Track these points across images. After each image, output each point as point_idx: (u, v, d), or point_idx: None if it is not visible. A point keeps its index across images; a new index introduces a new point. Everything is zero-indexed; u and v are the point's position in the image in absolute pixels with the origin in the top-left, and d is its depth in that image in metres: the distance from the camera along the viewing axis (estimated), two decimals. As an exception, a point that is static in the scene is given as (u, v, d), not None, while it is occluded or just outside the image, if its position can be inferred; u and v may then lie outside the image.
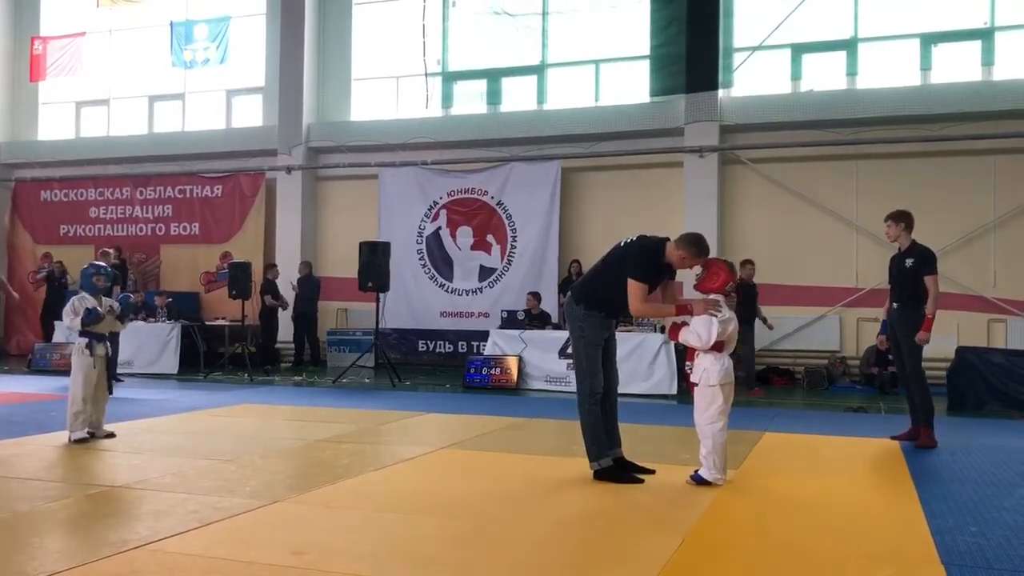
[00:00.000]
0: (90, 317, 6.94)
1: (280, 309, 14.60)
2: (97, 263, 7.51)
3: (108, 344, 7.12)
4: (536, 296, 13.21)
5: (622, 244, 5.67)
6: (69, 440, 6.72)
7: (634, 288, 5.41)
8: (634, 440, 6.08)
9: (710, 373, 5.39)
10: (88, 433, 6.78)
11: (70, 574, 3.49)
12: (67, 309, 7.00)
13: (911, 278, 7.25)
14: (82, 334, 6.93)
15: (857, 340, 13.38)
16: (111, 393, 7.08)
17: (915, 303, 7.21)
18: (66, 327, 7.17)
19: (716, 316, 5.36)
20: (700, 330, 5.39)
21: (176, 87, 17.69)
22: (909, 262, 7.30)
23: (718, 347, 5.43)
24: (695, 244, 5.56)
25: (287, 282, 14.91)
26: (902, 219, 7.42)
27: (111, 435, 6.94)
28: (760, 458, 6.47)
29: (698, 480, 5.38)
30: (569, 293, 5.85)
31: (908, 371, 7.36)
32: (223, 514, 4.51)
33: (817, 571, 3.77)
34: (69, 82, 18.06)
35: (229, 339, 14.26)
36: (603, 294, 5.59)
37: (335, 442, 6.92)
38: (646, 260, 5.54)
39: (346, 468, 5.85)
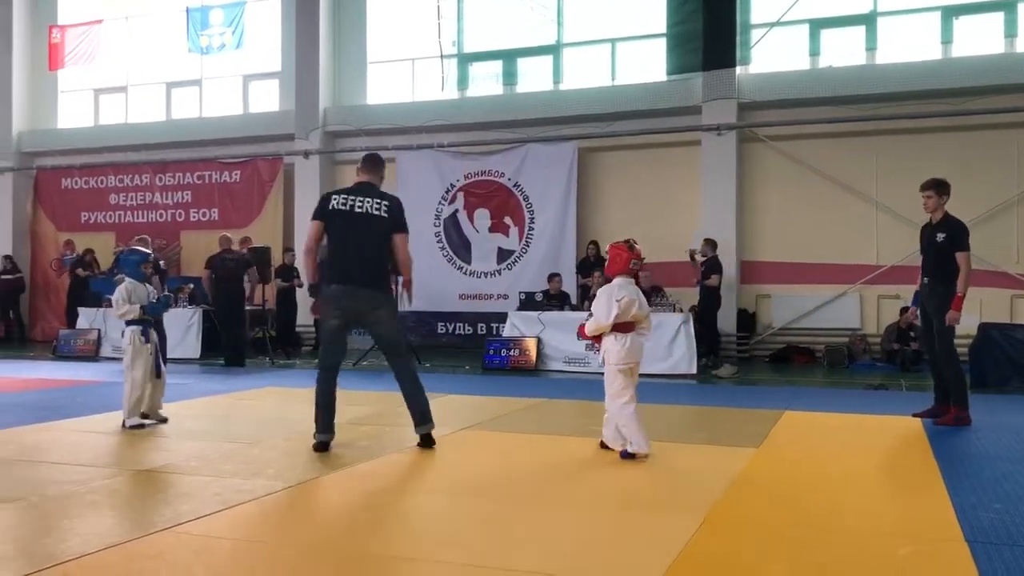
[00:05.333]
0: (156, 308, 6.94)
1: (298, 287, 14.54)
2: (141, 249, 7.46)
3: (158, 331, 7.08)
4: (559, 277, 13.21)
5: (383, 206, 5.76)
6: (124, 426, 6.71)
7: (406, 242, 5.82)
8: (652, 420, 6.09)
9: (610, 354, 5.59)
10: (142, 416, 6.81)
11: (99, 556, 3.55)
12: (119, 297, 6.89)
13: (942, 254, 7.03)
14: (135, 322, 6.87)
15: (878, 318, 13.29)
16: (158, 377, 6.99)
17: (946, 280, 7.00)
18: (116, 315, 6.99)
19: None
20: (599, 312, 5.60)
21: (193, 73, 17.75)
22: (941, 236, 7.05)
23: (621, 328, 5.56)
24: (367, 159, 6.08)
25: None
26: (944, 190, 7.14)
27: (164, 420, 6.94)
28: (781, 437, 6.46)
29: (624, 455, 5.50)
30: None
31: (939, 351, 7.14)
32: (247, 496, 4.56)
33: (840, 549, 3.76)
34: (87, 70, 18.16)
35: (250, 323, 14.34)
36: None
37: (356, 424, 6.97)
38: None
39: (367, 450, 5.89)
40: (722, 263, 12.50)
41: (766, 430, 6.62)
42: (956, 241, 7.01)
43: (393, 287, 5.94)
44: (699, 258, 12.59)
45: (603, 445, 5.77)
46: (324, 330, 6.01)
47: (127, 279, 7.01)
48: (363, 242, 5.72)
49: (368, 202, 5.73)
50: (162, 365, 7.02)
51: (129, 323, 6.91)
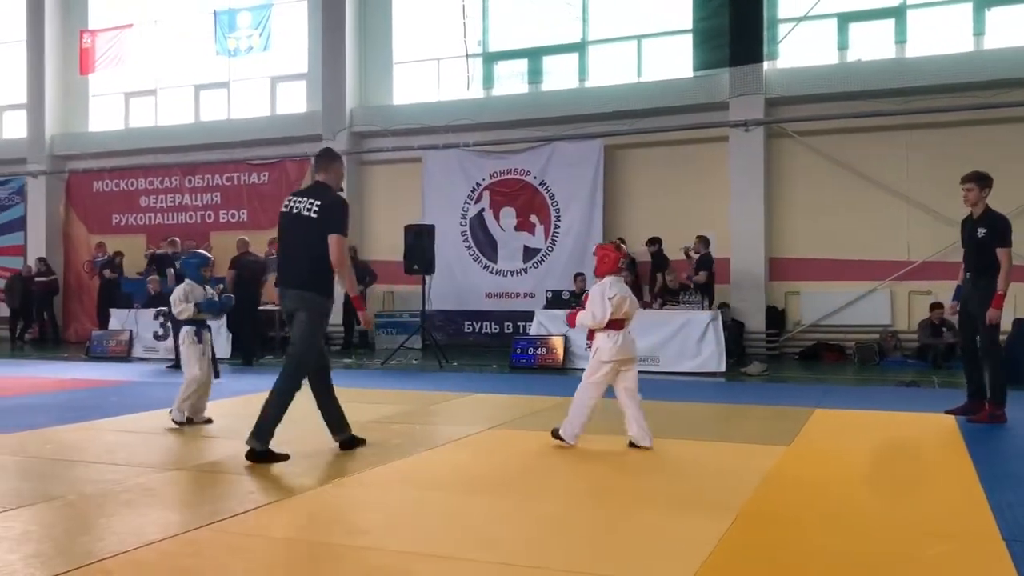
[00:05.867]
0: (211, 305, 7.06)
1: None
2: (201, 252, 7.58)
3: (211, 332, 7.21)
4: (585, 276, 13.17)
5: (315, 207, 5.48)
6: (171, 416, 6.86)
7: (341, 243, 5.49)
8: (681, 418, 6.06)
9: (602, 351, 5.78)
10: (187, 418, 6.92)
11: (136, 554, 3.60)
12: (176, 297, 7.02)
13: (983, 249, 6.91)
14: (189, 323, 7.00)
15: (909, 314, 13.13)
16: (217, 377, 7.13)
17: (988, 276, 6.88)
18: (176, 313, 7.10)
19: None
20: (595, 309, 5.73)
21: (221, 75, 17.94)
22: (981, 231, 6.92)
23: (613, 325, 5.72)
24: (318, 156, 5.83)
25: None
26: (986, 183, 7.00)
27: (209, 421, 7.05)
28: (811, 434, 6.41)
29: (554, 434, 5.87)
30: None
31: (982, 347, 7.03)
32: (279, 495, 4.60)
33: (874, 548, 3.72)
34: (117, 73, 18.40)
35: (279, 324, 14.45)
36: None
37: (386, 423, 7.01)
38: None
39: (397, 448, 5.92)
40: (714, 258, 12.57)
41: (797, 428, 6.57)
42: (997, 236, 6.88)
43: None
44: (693, 255, 12.50)
45: (632, 444, 5.77)
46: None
47: (186, 280, 7.13)
48: (293, 244, 5.64)
49: (303, 203, 5.57)
50: (217, 366, 7.15)
51: (184, 323, 7.05)
